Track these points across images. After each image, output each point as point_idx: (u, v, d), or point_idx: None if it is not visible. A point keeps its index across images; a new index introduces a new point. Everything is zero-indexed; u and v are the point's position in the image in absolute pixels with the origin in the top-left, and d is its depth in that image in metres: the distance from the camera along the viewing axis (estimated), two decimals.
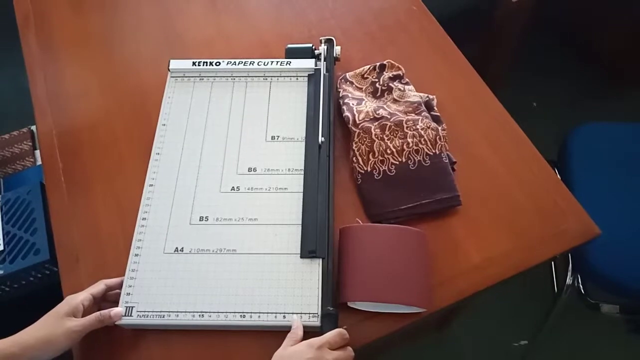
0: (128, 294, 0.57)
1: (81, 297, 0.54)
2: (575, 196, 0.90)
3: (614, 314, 0.83)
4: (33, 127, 0.99)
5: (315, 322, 0.54)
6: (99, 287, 0.57)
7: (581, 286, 0.89)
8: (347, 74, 0.74)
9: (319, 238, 0.58)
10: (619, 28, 1.47)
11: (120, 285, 0.58)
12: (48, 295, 0.64)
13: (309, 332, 0.55)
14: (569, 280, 0.90)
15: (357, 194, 0.66)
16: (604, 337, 1.16)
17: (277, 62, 0.72)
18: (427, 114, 0.67)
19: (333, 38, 0.74)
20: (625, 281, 0.81)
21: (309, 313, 0.55)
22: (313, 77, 0.71)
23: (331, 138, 0.66)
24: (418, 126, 0.65)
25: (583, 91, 1.57)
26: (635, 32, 1.42)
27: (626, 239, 0.84)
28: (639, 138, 0.95)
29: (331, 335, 0.51)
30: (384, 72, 0.72)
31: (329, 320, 0.54)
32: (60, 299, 0.57)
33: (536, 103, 1.59)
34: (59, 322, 0.52)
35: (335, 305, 0.55)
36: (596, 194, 0.90)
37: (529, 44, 1.57)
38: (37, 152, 0.95)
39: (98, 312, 0.54)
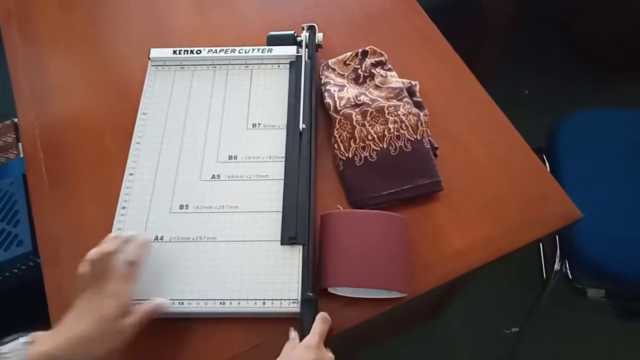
0: None
1: (130, 294, 0.52)
2: (563, 183, 0.90)
3: (599, 299, 0.84)
4: (16, 120, 0.98)
5: (295, 308, 0.54)
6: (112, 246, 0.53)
7: (569, 272, 0.90)
8: (329, 60, 0.73)
9: (299, 225, 0.58)
10: (611, 18, 1.47)
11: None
12: (34, 287, 0.64)
13: (289, 319, 0.55)
14: (556, 267, 0.90)
15: (339, 181, 0.66)
16: (592, 322, 1.18)
17: (259, 49, 0.72)
18: (409, 100, 0.67)
19: (315, 25, 0.73)
20: (610, 266, 0.81)
21: (289, 299, 0.55)
22: (295, 64, 0.70)
23: (313, 125, 0.66)
24: (399, 112, 0.65)
25: (575, 81, 1.57)
26: (627, 23, 1.42)
27: (612, 225, 0.84)
28: (626, 125, 0.95)
29: (319, 327, 0.51)
30: (366, 59, 0.72)
31: (308, 305, 0.54)
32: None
33: (528, 91, 1.59)
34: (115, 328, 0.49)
35: (315, 291, 0.55)
36: (584, 181, 0.90)
37: (521, 35, 1.57)
38: (21, 145, 0.94)
39: (144, 310, 0.52)
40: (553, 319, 1.18)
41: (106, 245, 0.53)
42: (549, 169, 0.95)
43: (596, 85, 1.55)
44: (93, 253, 0.52)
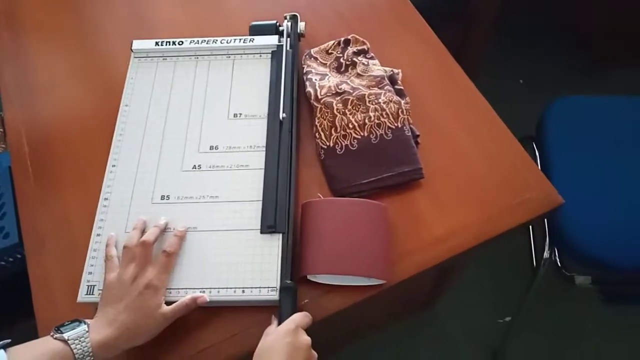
0: (90, 273, 0.58)
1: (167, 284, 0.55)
2: (551, 170, 0.90)
3: (586, 285, 0.84)
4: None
5: (274, 296, 0.54)
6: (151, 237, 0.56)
7: (558, 259, 0.89)
8: (312, 50, 0.73)
9: (279, 213, 0.58)
10: (605, 4, 1.45)
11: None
12: (21, 279, 0.64)
13: (270, 307, 0.56)
14: (546, 254, 0.90)
15: (321, 170, 0.66)
16: (581, 308, 1.19)
17: (240, 39, 0.71)
18: (390, 88, 0.67)
19: (297, 14, 0.73)
20: (597, 253, 0.81)
21: (268, 287, 0.55)
22: (276, 54, 0.70)
23: (294, 114, 0.66)
24: (380, 100, 0.65)
25: (571, 69, 1.56)
26: (619, 8, 1.40)
27: (599, 211, 0.84)
28: (613, 111, 0.95)
29: (298, 316, 0.51)
30: (349, 47, 0.72)
31: (287, 293, 0.54)
32: None
33: (523, 80, 1.58)
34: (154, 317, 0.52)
35: (294, 279, 0.55)
36: (572, 167, 0.90)
37: (515, 23, 1.56)
38: None
39: (184, 302, 0.54)
40: (544, 307, 1.19)
41: (147, 235, 0.56)
42: (538, 157, 0.96)
43: (592, 73, 1.55)
44: (134, 241, 0.55)
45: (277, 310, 0.54)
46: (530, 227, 1.03)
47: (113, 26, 0.83)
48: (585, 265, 0.84)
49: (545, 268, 0.91)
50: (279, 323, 0.52)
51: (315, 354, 0.50)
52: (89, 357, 0.48)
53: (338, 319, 0.58)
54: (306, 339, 0.49)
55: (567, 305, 1.20)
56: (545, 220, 0.90)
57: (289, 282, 0.54)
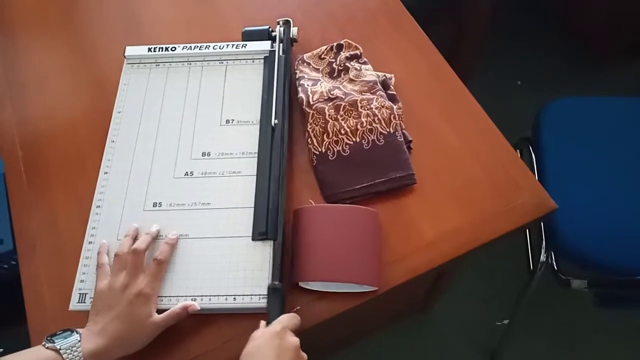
0: (82, 280, 0.58)
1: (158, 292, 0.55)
2: (546, 172, 0.90)
3: (582, 289, 0.84)
4: None
5: (265, 303, 0.54)
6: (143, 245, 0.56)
7: (554, 263, 0.89)
8: (305, 55, 0.73)
9: (270, 220, 0.58)
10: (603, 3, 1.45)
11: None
12: (16, 285, 0.64)
13: (261, 314, 0.55)
14: (542, 258, 0.90)
15: (313, 176, 0.65)
16: (577, 312, 1.19)
17: (233, 45, 0.71)
18: (382, 93, 0.66)
19: (290, 19, 0.73)
20: (594, 256, 0.81)
21: (259, 294, 0.55)
22: (269, 60, 0.70)
23: (286, 120, 0.66)
24: (372, 105, 0.65)
25: (569, 68, 1.55)
26: (618, 8, 1.40)
27: (594, 213, 0.84)
28: (610, 112, 0.94)
29: (285, 318, 0.51)
30: (341, 52, 0.72)
31: (274, 294, 0.53)
32: None
33: (521, 82, 1.57)
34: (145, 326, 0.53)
35: (282, 282, 0.55)
36: (568, 170, 0.90)
37: (512, 23, 1.55)
38: None
39: (175, 311, 0.54)
40: (541, 309, 1.19)
41: (138, 242, 0.56)
42: (534, 159, 0.95)
43: (591, 72, 1.54)
44: (126, 249, 0.55)
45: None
46: (527, 230, 1.03)
47: (106, 27, 0.83)
48: (581, 267, 0.83)
49: (541, 271, 0.91)
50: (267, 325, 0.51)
51: (304, 355, 0.49)
52: None
53: (332, 325, 0.58)
54: (294, 340, 0.49)
55: (564, 308, 1.20)
56: (542, 223, 0.89)
57: (276, 283, 0.54)
